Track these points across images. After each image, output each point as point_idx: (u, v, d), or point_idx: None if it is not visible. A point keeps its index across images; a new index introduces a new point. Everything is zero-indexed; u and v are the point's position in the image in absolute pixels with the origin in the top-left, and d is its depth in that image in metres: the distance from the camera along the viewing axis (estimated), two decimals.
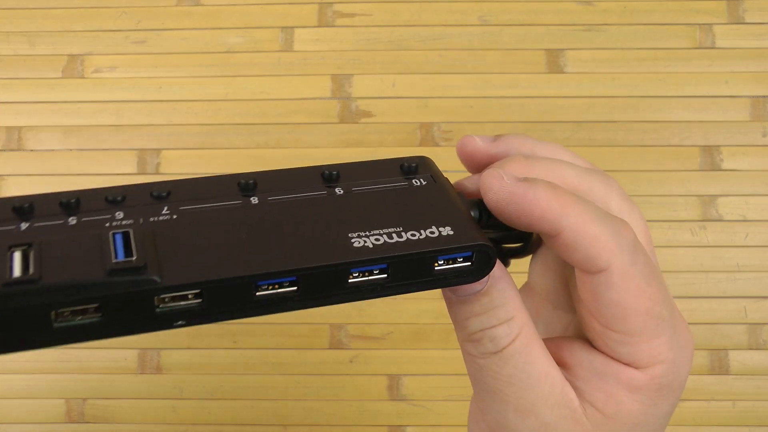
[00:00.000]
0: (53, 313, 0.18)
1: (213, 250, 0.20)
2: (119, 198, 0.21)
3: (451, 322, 0.23)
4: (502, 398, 0.22)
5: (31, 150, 0.54)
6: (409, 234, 0.21)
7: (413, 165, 0.24)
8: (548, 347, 0.23)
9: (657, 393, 0.22)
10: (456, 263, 0.21)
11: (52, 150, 0.54)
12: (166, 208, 0.21)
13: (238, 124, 0.54)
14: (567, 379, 0.23)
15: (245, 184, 0.22)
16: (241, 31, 0.56)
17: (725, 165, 0.53)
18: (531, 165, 0.23)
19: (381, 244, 0.20)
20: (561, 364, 0.23)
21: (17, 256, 0.18)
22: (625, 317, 0.21)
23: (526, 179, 0.21)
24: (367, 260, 0.20)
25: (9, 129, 0.55)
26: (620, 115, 0.54)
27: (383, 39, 0.55)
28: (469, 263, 0.21)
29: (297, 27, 0.56)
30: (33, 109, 0.55)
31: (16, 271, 0.18)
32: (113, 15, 0.56)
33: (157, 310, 0.19)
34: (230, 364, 0.52)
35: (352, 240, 0.20)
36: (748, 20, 0.55)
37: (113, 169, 0.54)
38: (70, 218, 0.20)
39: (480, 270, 0.21)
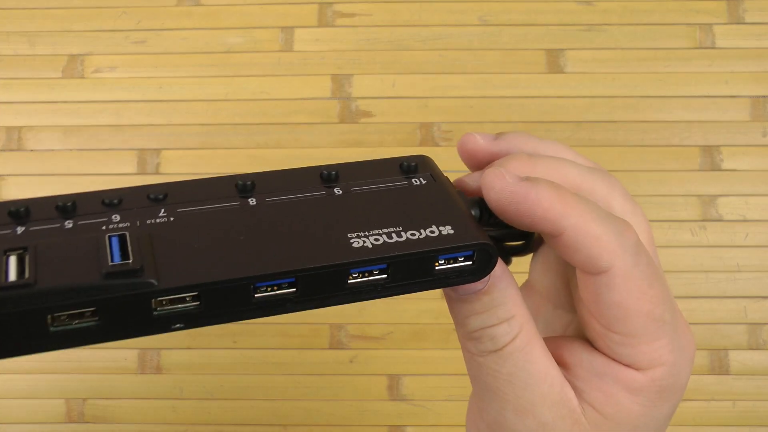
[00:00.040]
0: (49, 317, 0.18)
1: (210, 252, 0.20)
2: (116, 201, 0.21)
3: (451, 322, 0.23)
4: (501, 397, 0.22)
5: (31, 150, 0.54)
6: (408, 233, 0.21)
7: (413, 164, 0.24)
8: (548, 346, 0.23)
9: (657, 395, 0.22)
10: (457, 262, 0.21)
11: (52, 150, 0.54)
12: (163, 211, 0.21)
13: (238, 124, 0.54)
14: (566, 378, 0.23)
15: (243, 185, 0.22)
16: (241, 31, 0.56)
17: (725, 165, 0.53)
18: (533, 163, 0.23)
19: (380, 244, 0.20)
20: (561, 363, 0.23)
21: (12, 261, 0.18)
22: (626, 319, 0.21)
23: (528, 178, 0.21)
24: (366, 260, 0.20)
25: (9, 129, 0.55)
26: (620, 115, 0.54)
27: (383, 39, 0.55)
28: (470, 262, 0.21)
29: (297, 27, 0.56)
30: (33, 109, 0.55)
31: (12, 276, 0.18)
32: (113, 15, 0.56)
33: (155, 313, 0.19)
34: (230, 364, 0.52)
35: (351, 240, 0.20)
36: (748, 20, 0.55)
37: (113, 169, 0.54)
38: (67, 222, 0.20)
39: (481, 269, 0.21)
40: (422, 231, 0.21)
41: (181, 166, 0.54)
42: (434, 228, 0.21)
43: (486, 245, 0.21)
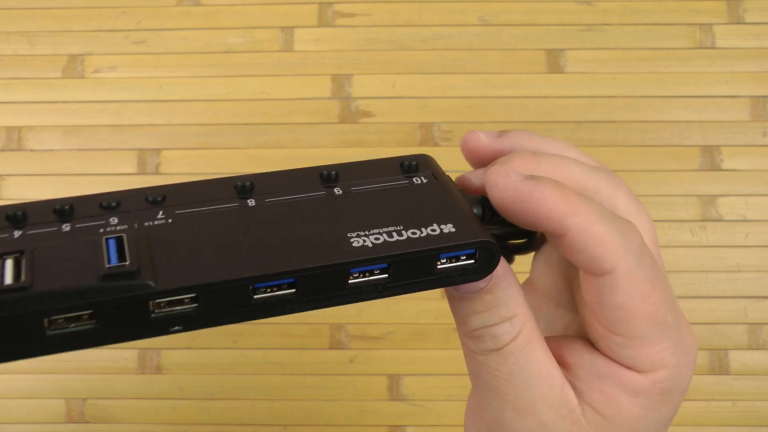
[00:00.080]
0: (46, 320, 0.18)
1: (209, 253, 0.19)
2: (114, 204, 0.21)
3: (451, 322, 0.23)
4: (501, 396, 0.22)
5: (31, 150, 0.54)
6: (409, 232, 0.20)
7: (414, 163, 0.23)
8: (549, 345, 0.23)
9: (658, 398, 0.22)
10: (459, 261, 0.21)
11: (52, 150, 0.54)
12: (161, 213, 0.21)
13: (238, 124, 0.54)
14: (567, 379, 0.22)
15: (242, 186, 0.22)
16: (241, 31, 0.56)
17: (725, 165, 0.53)
18: (537, 162, 0.23)
19: (381, 243, 0.20)
20: (561, 363, 0.23)
21: (9, 264, 0.18)
22: (628, 321, 0.21)
23: (532, 177, 0.21)
24: (366, 260, 0.20)
25: (9, 129, 0.55)
26: (620, 115, 0.54)
27: (383, 39, 0.55)
28: (473, 261, 0.21)
29: (297, 27, 0.56)
30: (33, 109, 0.55)
31: (8, 279, 0.18)
32: (113, 15, 0.56)
33: (153, 315, 0.19)
34: (230, 364, 0.52)
35: (351, 240, 0.20)
36: (748, 20, 0.55)
37: (113, 169, 0.54)
38: (64, 225, 0.20)
39: (484, 268, 0.21)
40: (423, 229, 0.20)
41: (181, 167, 0.54)
42: (436, 226, 0.21)
43: (489, 243, 0.20)
